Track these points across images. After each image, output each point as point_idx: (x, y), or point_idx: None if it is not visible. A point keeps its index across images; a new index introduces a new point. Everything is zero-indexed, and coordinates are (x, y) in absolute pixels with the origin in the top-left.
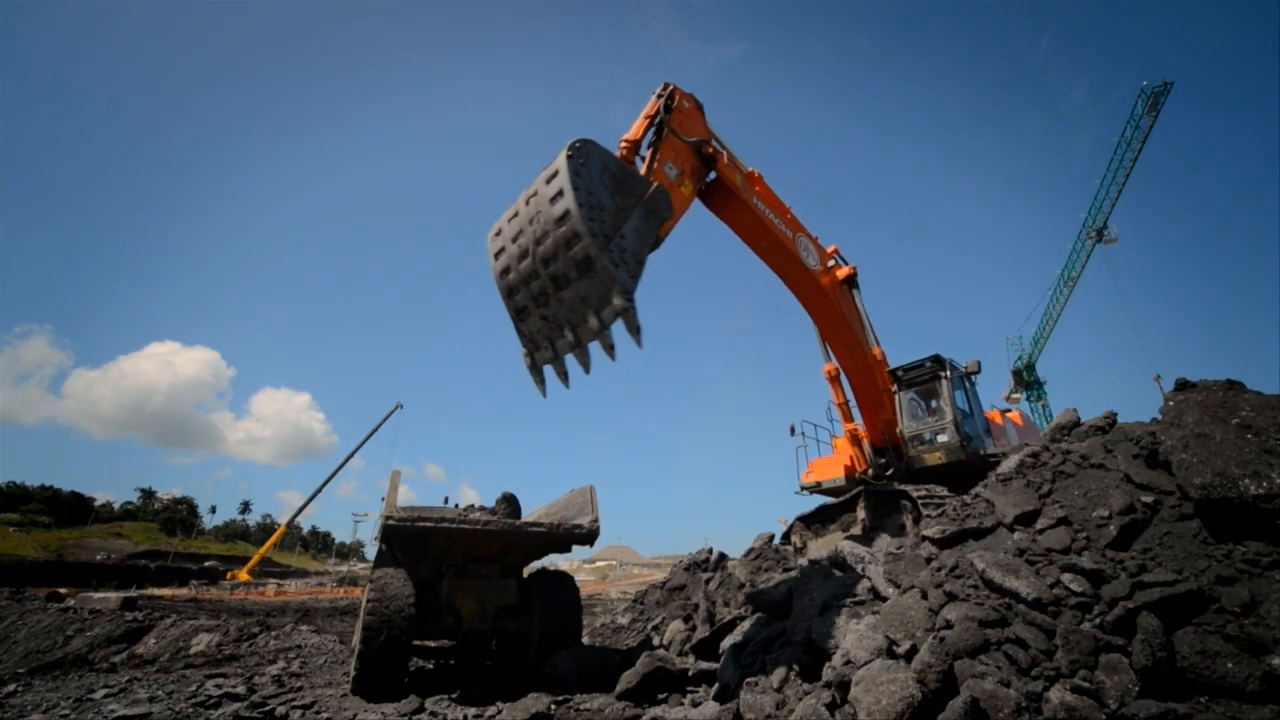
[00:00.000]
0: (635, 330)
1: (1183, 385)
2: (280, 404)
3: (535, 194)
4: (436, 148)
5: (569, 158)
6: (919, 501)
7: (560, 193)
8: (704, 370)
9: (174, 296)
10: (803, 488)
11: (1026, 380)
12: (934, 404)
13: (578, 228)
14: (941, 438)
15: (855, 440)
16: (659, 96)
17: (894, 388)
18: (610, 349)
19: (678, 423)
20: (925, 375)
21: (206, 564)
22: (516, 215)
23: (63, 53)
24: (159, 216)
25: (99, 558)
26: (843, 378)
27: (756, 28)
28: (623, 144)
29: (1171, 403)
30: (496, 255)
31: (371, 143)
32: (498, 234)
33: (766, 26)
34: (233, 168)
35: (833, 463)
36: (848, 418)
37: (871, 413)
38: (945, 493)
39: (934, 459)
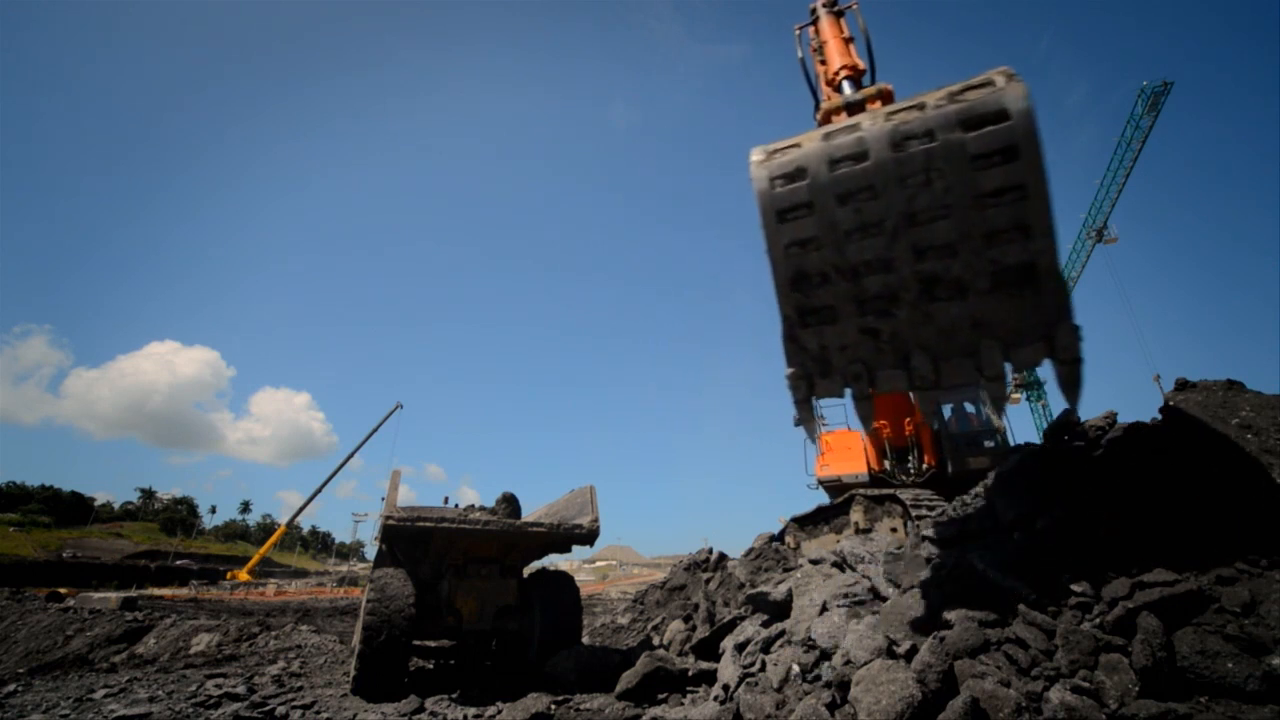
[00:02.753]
0: (1076, 384)
1: (1183, 385)
2: (280, 404)
3: (928, 134)
4: (436, 147)
5: (1026, 104)
6: (909, 506)
7: (1013, 150)
8: (704, 369)
9: (173, 296)
10: (819, 482)
11: (1026, 380)
12: (973, 409)
13: (1037, 217)
14: (989, 443)
15: (877, 439)
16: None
17: None
18: (1002, 402)
19: (678, 422)
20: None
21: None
22: (858, 159)
23: (62, 52)
24: (158, 216)
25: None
26: None
27: (757, 28)
28: None
29: (1171, 403)
30: (789, 213)
31: (371, 142)
32: (792, 177)
33: (767, 26)
34: (232, 167)
35: (852, 457)
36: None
37: (900, 413)
38: (934, 496)
39: (979, 464)
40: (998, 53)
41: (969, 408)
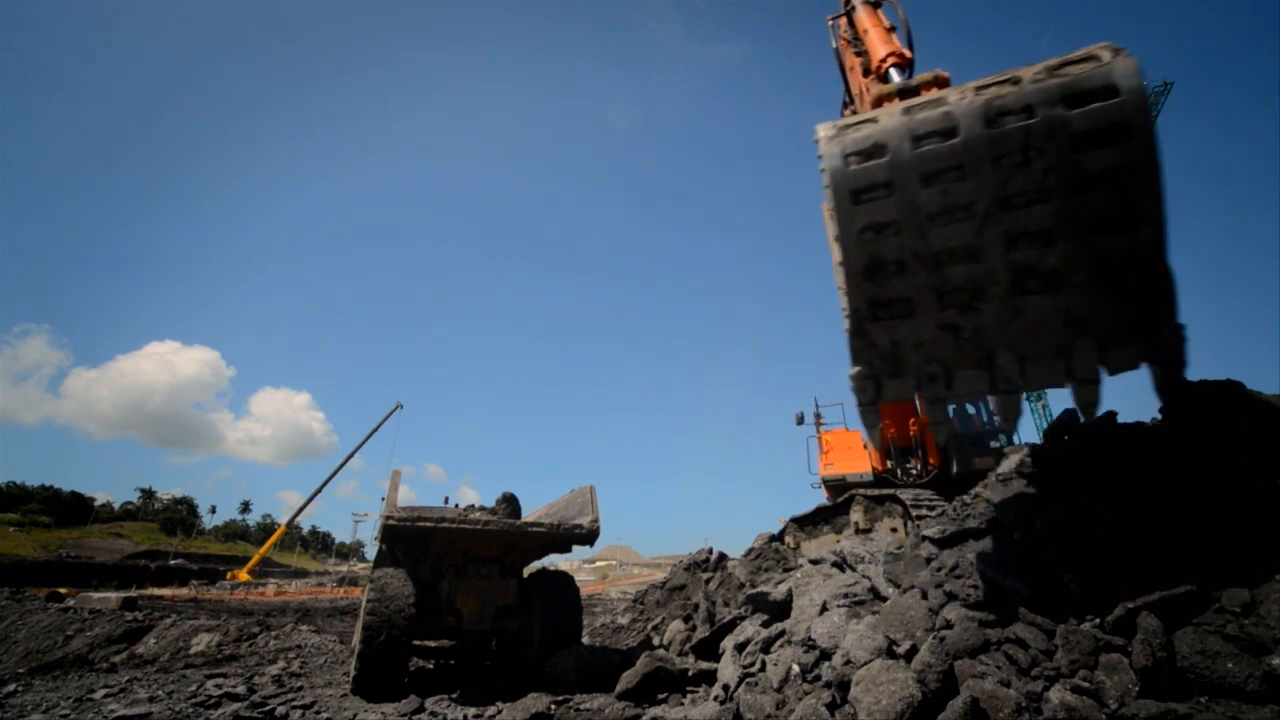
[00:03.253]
0: (1173, 387)
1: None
2: (280, 404)
3: (1026, 110)
4: (436, 147)
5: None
6: (909, 506)
7: (1124, 129)
8: (704, 369)
9: (173, 296)
10: (823, 480)
11: None
12: (979, 410)
13: (1147, 204)
14: (995, 444)
15: (882, 440)
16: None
17: None
18: (1093, 409)
19: (678, 422)
20: None
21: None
22: (945, 136)
23: (63, 52)
24: (158, 215)
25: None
26: None
27: (757, 28)
28: None
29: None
30: (864, 194)
31: (371, 142)
32: (869, 154)
33: (767, 26)
34: (233, 167)
35: (857, 456)
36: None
37: (904, 413)
38: (934, 497)
39: (984, 464)
40: (997, 52)
41: (970, 409)
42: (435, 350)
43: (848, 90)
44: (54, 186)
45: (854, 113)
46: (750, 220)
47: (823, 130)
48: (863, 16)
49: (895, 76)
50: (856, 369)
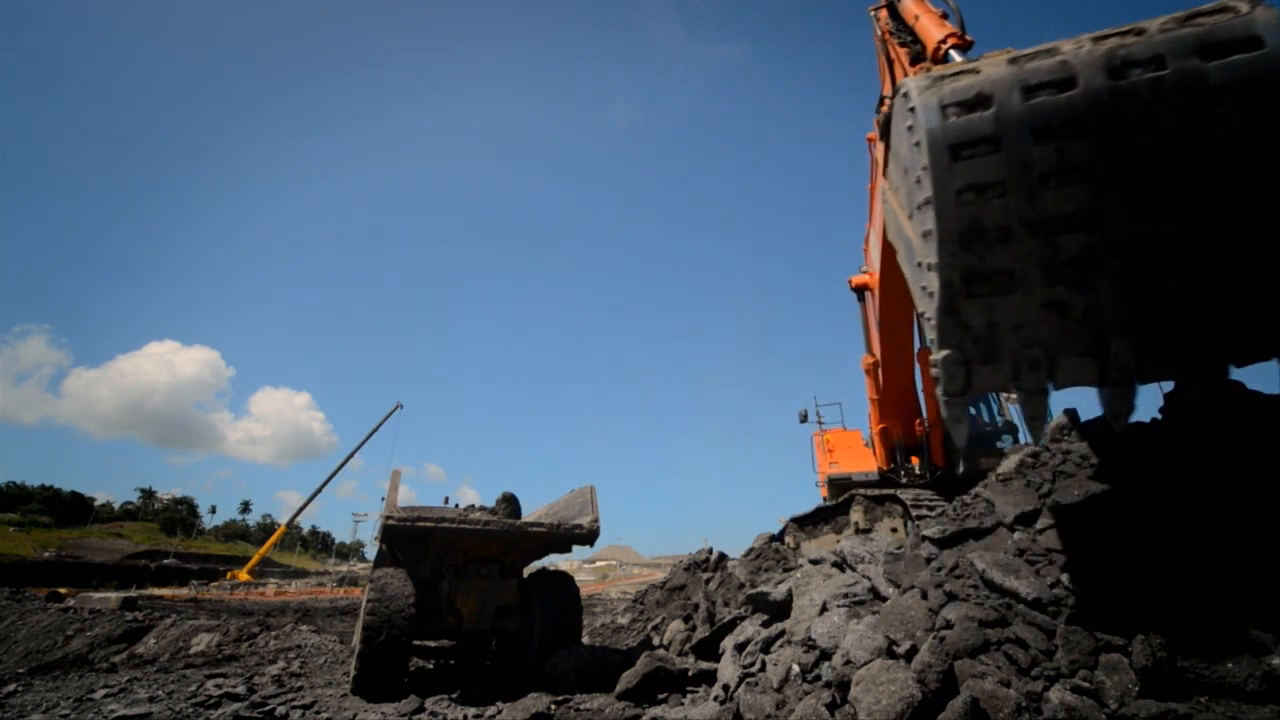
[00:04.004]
0: None
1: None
2: (280, 404)
3: (1155, 61)
4: (436, 147)
5: None
6: (909, 506)
7: (1269, 82)
8: (704, 369)
9: (173, 296)
10: (828, 480)
11: None
12: (983, 410)
13: None
14: (1001, 443)
15: (887, 438)
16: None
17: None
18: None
19: (678, 422)
20: None
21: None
22: (1061, 87)
23: (62, 52)
24: (158, 215)
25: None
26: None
27: (757, 28)
28: None
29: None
30: (965, 149)
31: (370, 142)
32: (972, 104)
33: (767, 26)
34: (232, 167)
35: (861, 455)
36: (881, 416)
37: (909, 413)
38: (935, 497)
39: (990, 464)
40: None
41: (972, 410)
42: (435, 350)
43: (894, 83)
44: (54, 186)
45: (887, 107)
46: (750, 220)
47: (913, 81)
48: (909, 4)
49: (955, 57)
50: (945, 353)
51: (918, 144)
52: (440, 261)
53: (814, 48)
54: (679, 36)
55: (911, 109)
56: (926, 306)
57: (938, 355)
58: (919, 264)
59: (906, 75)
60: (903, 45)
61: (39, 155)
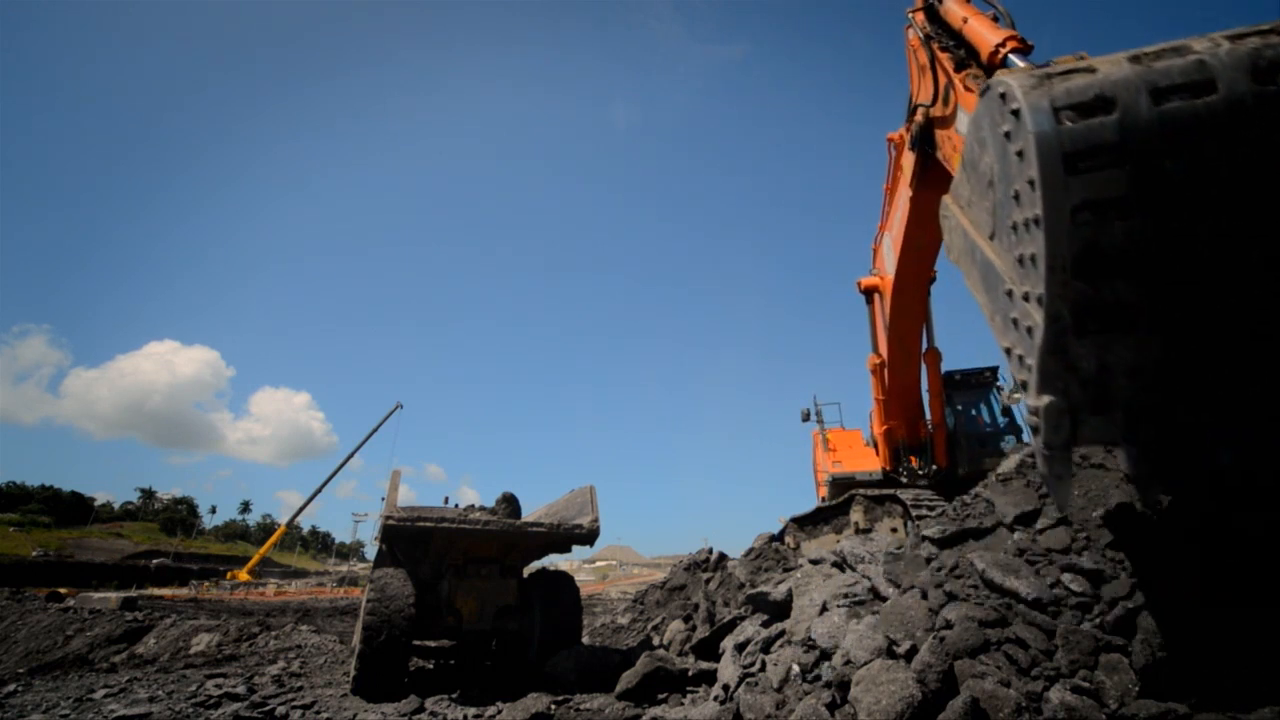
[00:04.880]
0: None
1: None
2: (280, 403)
3: None
4: (435, 147)
5: None
6: (909, 506)
7: None
8: (704, 369)
9: (173, 296)
10: (832, 479)
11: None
12: (986, 412)
13: None
14: (1003, 444)
15: (891, 439)
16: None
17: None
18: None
19: (678, 422)
20: (983, 382)
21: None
22: (1197, 91)
23: (62, 51)
24: (158, 215)
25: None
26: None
27: (757, 28)
28: None
29: None
30: (1084, 160)
31: (370, 142)
32: (1091, 108)
33: (767, 26)
34: (232, 166)
35: (864, 454)
36: (886, 416)
37: (913, 413)
38: (935, 497)
39: (993, 465)
40: None
41: (973, 410)
42: (435, 350)
43: (936, 88)
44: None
45: (925, 117)
46: (750, 220)
47: (1016, 79)
48: (955, 7)
49: (1017, 62)
50: (1048, 399)
51: (1020, 153)
52: (440, 261)
53: (814, 48)
54: (679, 36)
55: (1014, 111)
56: (1018, 342)
57: (1038, 402)
58: (1007, 291)
59: (951, 81)
60: (944, 50)
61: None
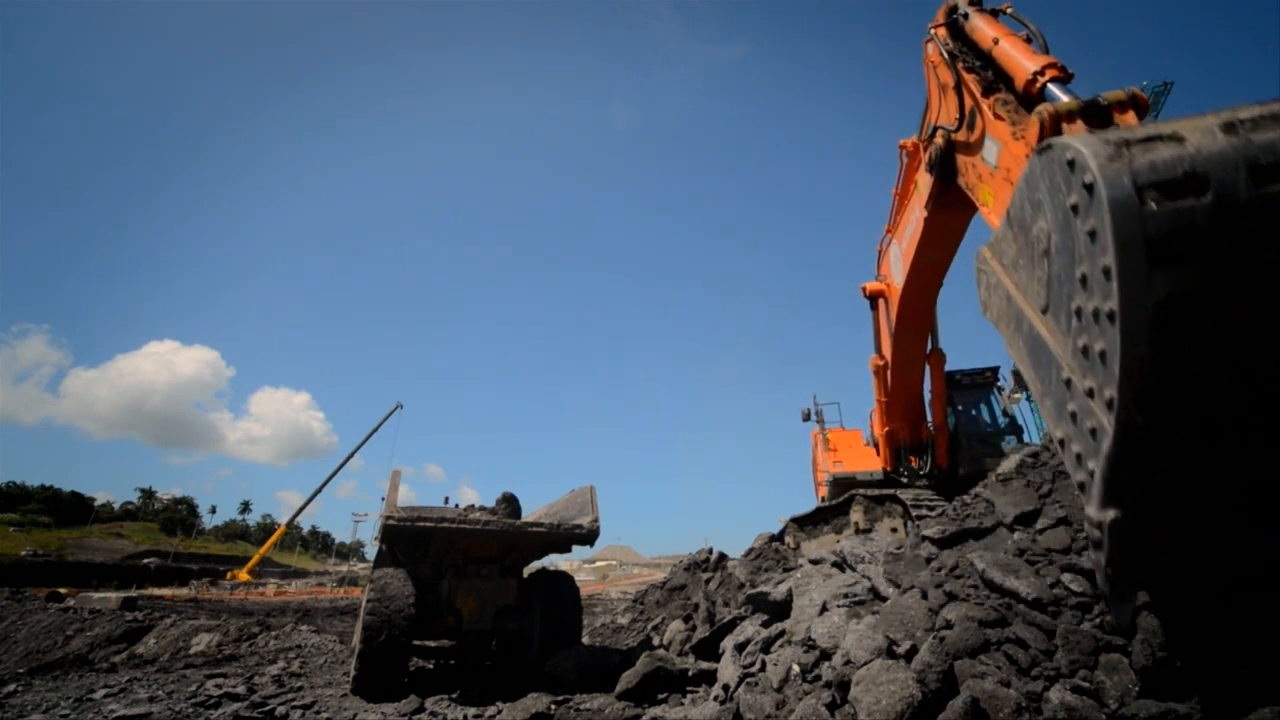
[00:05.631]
0: None
1: None
2: (279, 403)
3: None
4: (435, 146)
5: None
6: (909, 506)
7: None
8: (704, 369)
9: (173, 295)
10: (833, 479)
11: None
12: (987, 412)
13: None
14: (1004, 444)
15: (893, 440)
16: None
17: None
18: None
19: (678, 422)
20: (984, 383)
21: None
22: None
23: (62, 51)
24: (157, 214)
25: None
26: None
27: (757, 28)
28: None
29: None
30: (1170, 247)
31: (371, 141)
32: (1180, 187)
33: (767, 26)
34: (232, 166)
35: (865, 454)
36: (888, 418)
37: (916, 416)
38: (935, 497)
39: (993, 465)
40: None
41: (974, 410)
42: (435, 350)
43: (962, 111)
44: (53, 185)
45: (945, 141)
46: (751, 219)
47: (1090, 144)
48: (983, 26)
49: (1059, 94)
50: (1113, 514)
51: (1093, 234)
52: (441, 261)
53: (814, 48)
54: (679, 36)
55: (1087, 185)
56: (1076, 438)
57: (1101, 516)
58: (1065, 380)
59: (978, 105)
60: (970, 71)
61: (38, 155)
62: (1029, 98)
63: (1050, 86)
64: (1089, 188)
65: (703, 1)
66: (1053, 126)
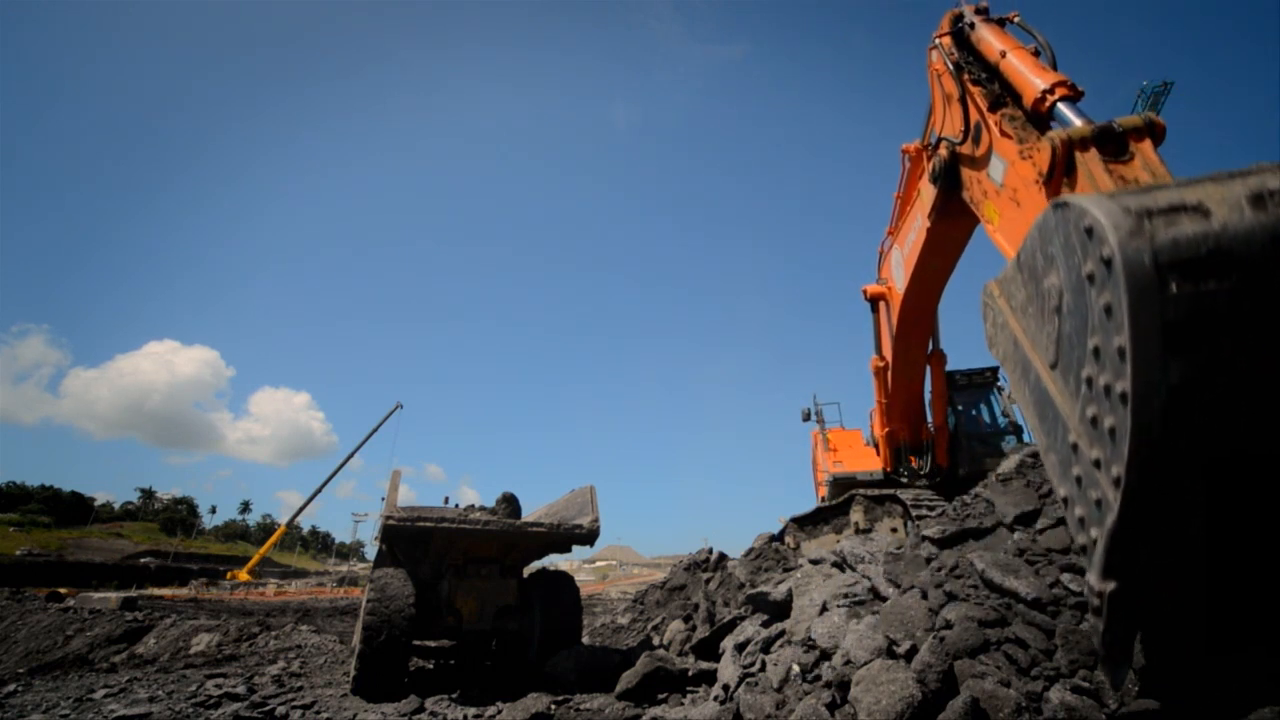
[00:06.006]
0: None
1: None
2: (279, 403)
3: None
4: (436, 146)
5: None
6: (909, 506)
7: None
8: (704, 368)
9: (173, 295)
10: (833, 479)
11: None
12: (987, 412)
13: None
14: (1005, 444)
15: (893, 440)
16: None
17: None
18: None
19: (678, 422)
20: (984, 383)
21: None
22: None
23: (62, 50)
24: (157, 214)
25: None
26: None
27: (757, 28)
28: None
29: None
30: (1191, 329)
31: (371, 141)
32: (1203, 268)
33: (767, 26)
34: (232, 166)
35: (865, 454)
36: (888, 418)
37: (916, 417)
38: (935, 497)
39: (993, 465)
40: None
41: (974, 410)
42: (435, 350)
43: (966, 124)
44: (53, 185)
45: (947, 151)
46: (750, 219)
47: (1109, 212)
48: (990, 37)
49: (1069, 115)
50: (1113, 585)
51: (1108, 310)
52: (441, 261)
53: (814, 48)
54: (679, 36)
55: (1106, 261)
56: (1079, 501)
57: (1101, 586)
58: (1072, 444)
59: (984, 119)
60: (976, 83)
61: (38, 154)
62: (1038, 117)
63: (1060, 106)
64: (1107, 263)
65: (703, 1)
66: (1065, 154)
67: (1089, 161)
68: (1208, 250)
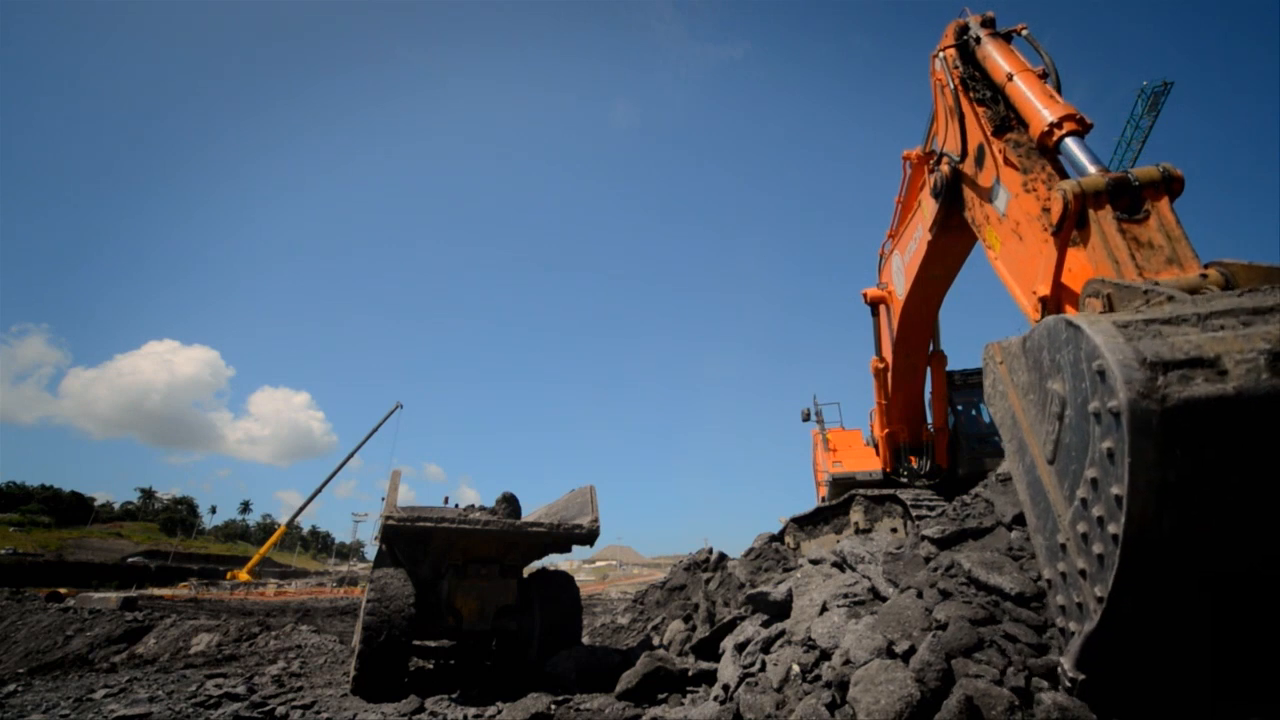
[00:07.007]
0: None
1: None
2: (279, 403)
3: None
4: (436, 146)
5: None
6: (909, 506)
7: None
8: (705, 368)
9: (172, 295)
10: (833, 479)
11: None
12: (987, 412)
13: None
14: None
15: (893, 441)
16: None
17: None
18: None
19: (678, 422)
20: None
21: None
22: None
23: (61, 50)
24: (157, 214)
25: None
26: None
27: (757, 28)
28: None
29: None
30: (1181, 432)
31: (370, 141)
32: (1192, 367)
33: (767, 26)
34: (232, 166)
35: (865, 454)
36: (888, 419)
37: (916, 419)
38: (935, 497)
39: (993, 465)
40: None
41: (973, 410)
42: (435, 350)
43: (963, 137)
44: (52, 185)
45: (949, 169)
46: (750, 219)
47: (1122, 360)
48: (997, 56)
49: (1077, 153)
50: (1083, 677)
51: (1098, 414)
52: (440, 261)
53: (814, 48)
54: (679, 36)
55: (1115, 413)
56: (1062, 591)
57: (1074, 674)
58: (1062, 545)
59: (988, 144)
60: (980, 103)
61: (38, 154)
62: (1045, 150)
63: (1068, 141)
64: (1115, 415)
65: (703, 1)
66: (1078, 208)
67: (1102, 220)
68: (1194, 353)
